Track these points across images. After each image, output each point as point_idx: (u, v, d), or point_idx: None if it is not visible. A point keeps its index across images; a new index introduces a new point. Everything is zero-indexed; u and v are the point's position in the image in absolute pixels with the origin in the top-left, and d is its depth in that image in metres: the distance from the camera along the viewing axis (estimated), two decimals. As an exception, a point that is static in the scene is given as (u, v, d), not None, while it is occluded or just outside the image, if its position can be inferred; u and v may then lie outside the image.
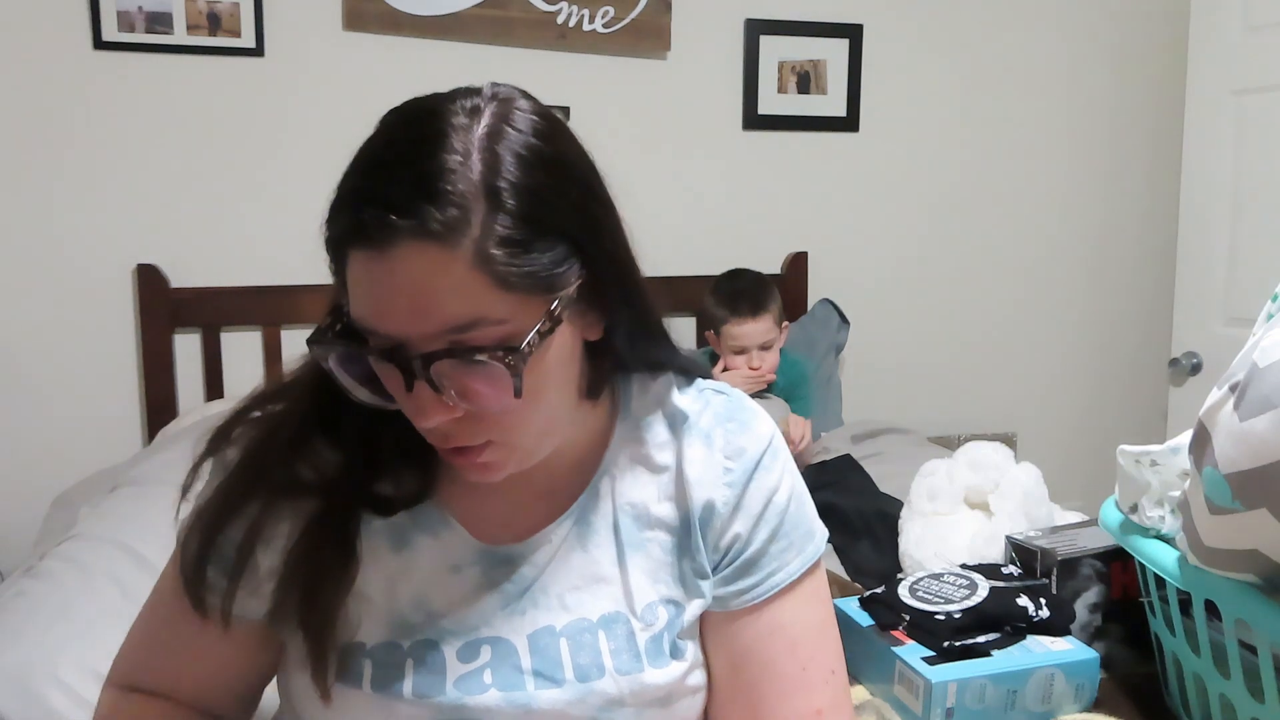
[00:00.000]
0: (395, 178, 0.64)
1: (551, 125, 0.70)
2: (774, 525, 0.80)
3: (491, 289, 0.64)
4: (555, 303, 0.67)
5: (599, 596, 0.78)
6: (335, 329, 0.70)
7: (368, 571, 0.77)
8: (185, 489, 0.78)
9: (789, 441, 2.07)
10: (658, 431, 0.81)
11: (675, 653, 0.78)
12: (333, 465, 0.76)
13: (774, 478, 0.80)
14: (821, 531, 0.84)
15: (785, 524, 0.80)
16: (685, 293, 2.53)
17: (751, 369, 2.21)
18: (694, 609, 0.79)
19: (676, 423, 0.81)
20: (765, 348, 2.23)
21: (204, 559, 0.76)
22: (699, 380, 0.86)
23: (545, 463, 0.78)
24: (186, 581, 0.76)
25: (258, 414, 0.79)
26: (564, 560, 0.79)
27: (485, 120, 0.66)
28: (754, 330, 2.21)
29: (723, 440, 0.80)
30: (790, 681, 0.79)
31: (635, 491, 0.80)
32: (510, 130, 0.66)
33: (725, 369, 2.25)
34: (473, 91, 0.69)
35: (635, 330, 0.77)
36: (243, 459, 0.77)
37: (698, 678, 0.80)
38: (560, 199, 0.67)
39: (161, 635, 0.82)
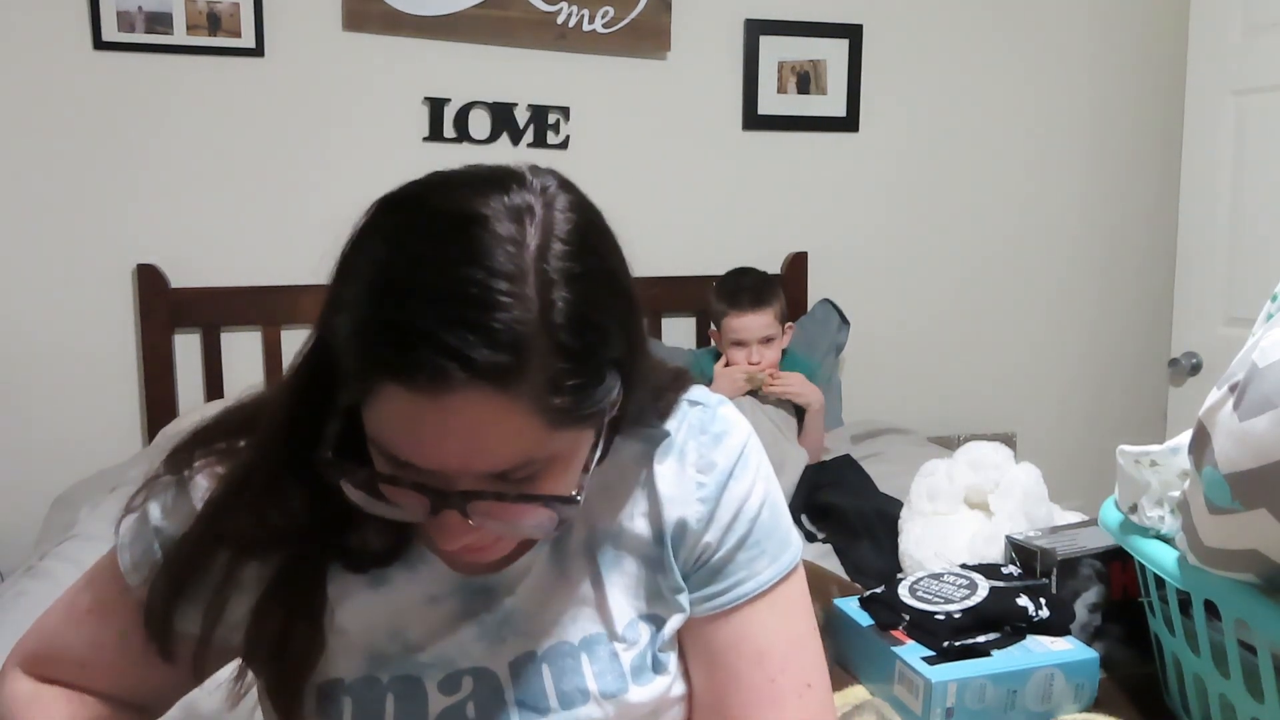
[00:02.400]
0: (444, 313, 0.57)
1: (593, 224, 0.65)
2: (743, 533, 0.78)
3: (544, 430, 0.60)
4: (601, 428, 0.67)
5: (579, 619, 0.77)
6: (344, 439, 0.66)
7: (343, 608, 0.75)
8: (130, 507, 0.76)
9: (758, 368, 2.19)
10: (630, 449, 0.79)
11: (657, 667, 0.78)
12: (303, 511, 0.72)
13: (744, 486, 0.79)
14: (798, 543, 0.82)
15: (755, 532, 0.79)
16: (685, 293, 2.53)
17: (751, 364, 2.21)
18: (674, 623, 0.79)
19: (651, 440, 0.79)
20: (766, 343, 2.23)
21: (171, 608, 0.74)
22: None
23: None
24: (153, 630, 0.74)
25: (223, 445, 0.75)
26: (542, 587, 0.77)
27: (534, 231, 0.60)
28: (754, 323, 2.22)
29: (695, 455, 0.78)
30: (758, 693, 0.77)
31: (608, 512, 0.79)
32: (559, 245, 0.60)
33: (727, 364, 2.25)
34: (511, 181, 0.62)
35: (639, 403, 0.75)
36: (211, 504, 0.73)
37: (680, 687, 0.79)
38: (610, 323, 0.63)
39: (103, 646, 0.78)
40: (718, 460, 0.78)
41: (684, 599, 0.79)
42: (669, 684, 0.78)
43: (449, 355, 0.56)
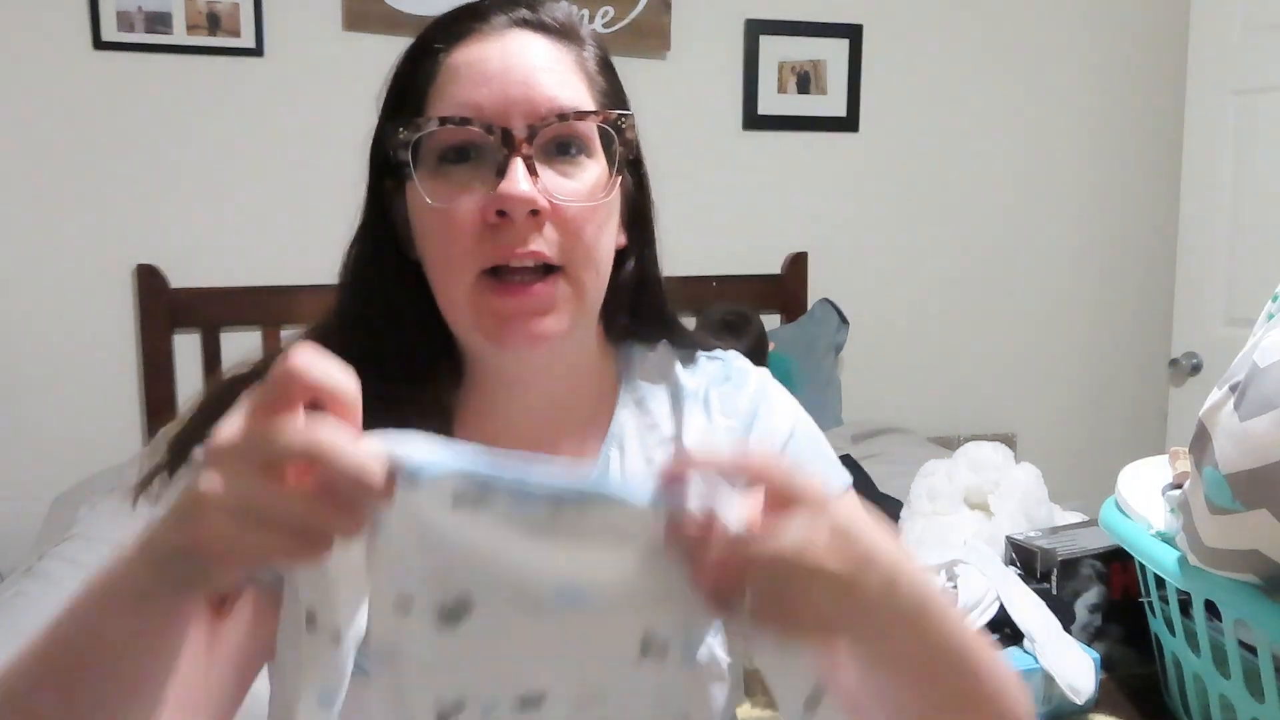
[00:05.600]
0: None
1: None
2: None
3: (589, 91, 0.71)
4: (630, 133, 0.72)
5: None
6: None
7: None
8: (140, 490, 0.69)
9: None
10: (661, 401, 0.80)
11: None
12: None
13: (771, 420, 0.79)
14: (845, 475, 0.81)
15: (790, 455, 0.78)
16: (684, 293, 2.53)
17: None
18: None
19: (677, 394, 0.80)
20: None
21: None
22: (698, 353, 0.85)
23: (554, 418, 0.76)
24: None
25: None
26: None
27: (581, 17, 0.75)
28: None
29: (719, 403, 0.80)
30: None
31: (642, 465, 0.78)
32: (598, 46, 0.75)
33: None
34: None
35: (659, 298, 0.84)
36: None
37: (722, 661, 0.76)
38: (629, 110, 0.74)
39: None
40: (740, 403, 0.80)
41: None
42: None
43: (513, 10, 0.71)
